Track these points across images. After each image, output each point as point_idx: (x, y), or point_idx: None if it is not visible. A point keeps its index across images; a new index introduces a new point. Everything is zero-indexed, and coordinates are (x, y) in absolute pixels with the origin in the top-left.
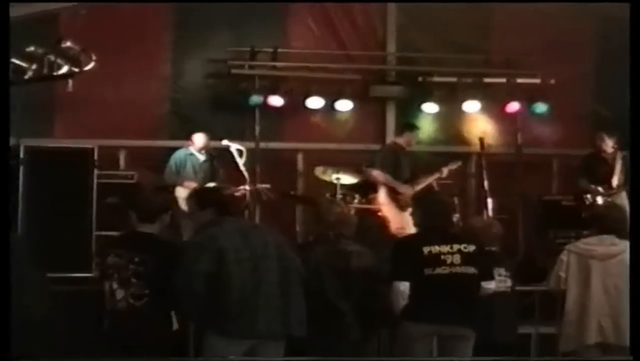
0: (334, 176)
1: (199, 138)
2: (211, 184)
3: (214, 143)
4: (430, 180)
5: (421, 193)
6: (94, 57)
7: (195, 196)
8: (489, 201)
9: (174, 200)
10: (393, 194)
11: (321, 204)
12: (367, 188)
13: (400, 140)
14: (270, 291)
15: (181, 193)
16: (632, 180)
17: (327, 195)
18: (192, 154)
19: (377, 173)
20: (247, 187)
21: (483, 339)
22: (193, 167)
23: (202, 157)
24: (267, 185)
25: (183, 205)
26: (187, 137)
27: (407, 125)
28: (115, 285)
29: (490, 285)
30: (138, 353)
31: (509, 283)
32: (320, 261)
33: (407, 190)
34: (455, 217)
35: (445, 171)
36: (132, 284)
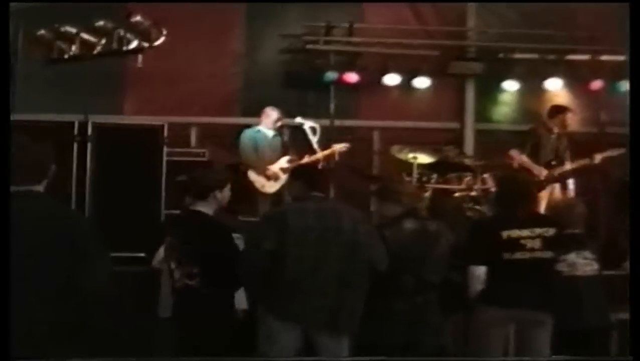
0: (411, 155)
1: (271, 113)
2: (286, 158)
3: (287, 121)
4: (576, 165)
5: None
6: (164, 32)
7: (293, 168)
8: (571, 181)
9: (233, 178)
10: None
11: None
12: (444, 168)
13: (550, 123)
14: (328, 278)
15: (254, 175)
16: (631, 179)
17: (404, 174)
18: (259, 131)
19: (514, 153)
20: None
21: (572, 324)
22: (261, 144)
23: (270, 133)
24: (346, 145)
25: (258, 185)
26: (260, 114)
27: (557, 107)
28: (173, 265)
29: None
30: (198, 335)
31: (595, 266)
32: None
33: (541, 172)
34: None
35: (598, 157)
36: (186, 263)
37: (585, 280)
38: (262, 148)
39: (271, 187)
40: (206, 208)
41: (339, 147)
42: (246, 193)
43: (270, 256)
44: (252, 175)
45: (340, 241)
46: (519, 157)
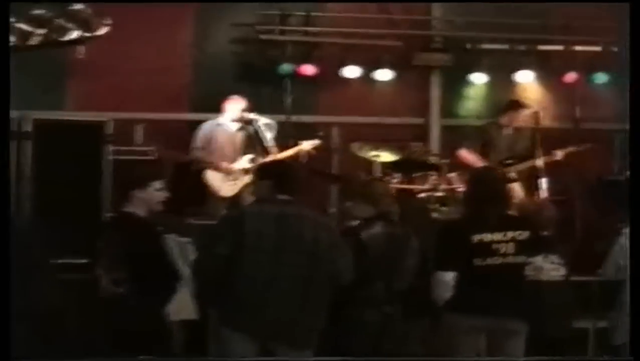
0: (372, 153)
1: (236, 103)
2: (249, 157)
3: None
4: (531, 163)
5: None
6: (107, 21)
7: (258, 166)
8: (543, 181)
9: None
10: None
11: (370, 183)
12: (409, 167)
13: (503, 120)
14: (286, 289)
15: (211, 175)
16: (631, 178)
17: (364, 174)
18: (220, 124)
19: (463, 153)
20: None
21: (534, 333)
22: (221, 140)
23: (233, 127)
24: (316, 142)
25: (215, 186)
26: (211, 109)
27: (511, 102)
28: (101, 271)
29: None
30: (124, 347)
31: (562, 271)
32: (368, 244)
33: None
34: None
35: (559, 154)
36: (113, 269)
37: (551, 285)
38: (222, 145)
39: (230, 189)
40: (135, 209)
41: (308, 143)
42: (202, 194)
43: (224, 261)
44: (210, 175)
45: (301, 249)
46: (469, 156)
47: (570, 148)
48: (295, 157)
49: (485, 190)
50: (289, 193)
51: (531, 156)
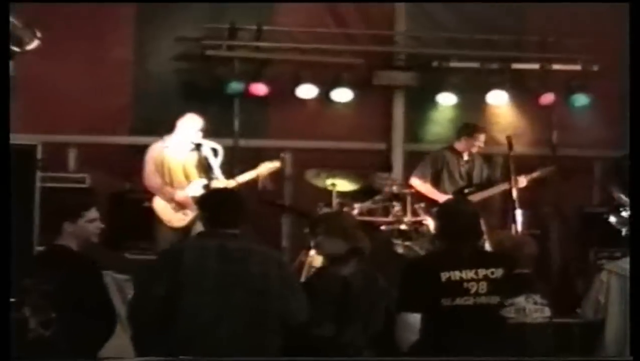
0: (329, 181)
1: (191, 121)
2: (200, 182)
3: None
4: (493, 191)
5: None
6: (38, 35)
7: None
8: (518, 213)
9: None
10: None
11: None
12: (369, 197)
13: (459, 145)
14: (229, 334)
15: (159, 204)
16: (631, 180)
17: (321, 204)
18: (168, 147)
19: (415, 182)
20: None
21: None
22: (172, 163)
23: (184, 149)
24: (275, 164)
25: (163, 216)
26: (152, 132)
27: (465, 126)
28: (28, 312)
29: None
30: None
31: (547, 312)
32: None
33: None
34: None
35: (522, 181)
36: (41, 309)
37: (535, 328)
38: (172, 169)
39: (180, 219)
40: (67, 242)
41: (267, 166)
42: (144, 226)
43: (161, 302)
44: (158, 204)
45: (247, 287)
46: (421, 186)
47: (534, 174)
48: (252, 183)
49: (455, 224)
50: (232, 225)
51: (493, 184)
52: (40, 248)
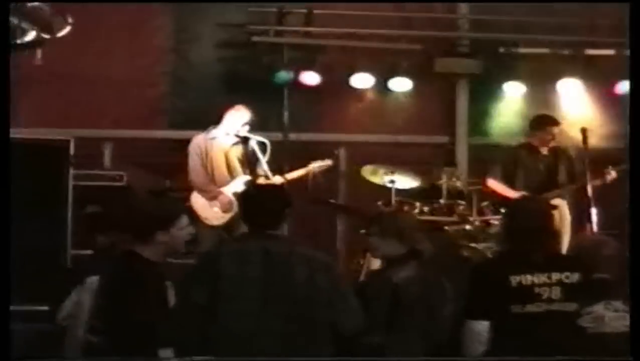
0: (387, 178)
1: (239, 112)
2: (244, 178)
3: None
4: (575, 188)
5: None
6: (70, 21)
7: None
8: (594, 212)
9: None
10: None
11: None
12: (431, 195)
13: (533, 140)
14: (273, 345)
15: (197, 200)
16: (631, 180)
17: (379, 203)
18: (214, 138)
19: (492, 183)
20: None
21: None
22: (216, 156)
23: (230, 142)
24: (327, 162)
25: (201, 213)
26: (193, 125)
27: (538, 119)
28: (84, 318)
29: (588, 323)
30: None
31: (628, 320)
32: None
33: None
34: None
35: (611, 175)
36: (92, 315)
37: (616, 338)
38: (216, 163)
39: (219, 218)
40: (151, 252)
41: (317, 165)
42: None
43: (202, 312)
44: (197, 201)
45: (290, 296)
46: (498, 186)
47: (624, 166)
48: (302, 180)
49: (527, 224)
50: (275, 226)
51: (574, 182)
52: (76, 252)
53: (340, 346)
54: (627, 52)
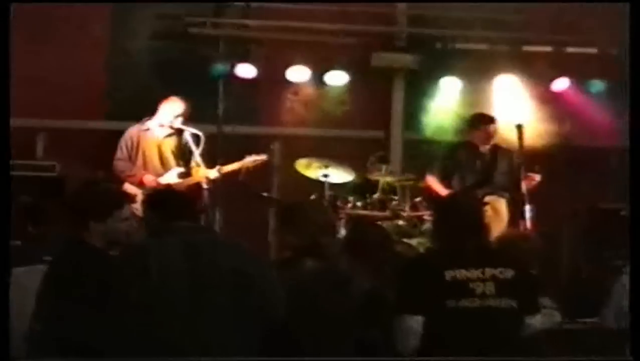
0: (321, 172)
1: (173, 104)
2: (177, 170)
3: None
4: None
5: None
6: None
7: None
8: (527, 209)
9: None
10: None
11: (302, 207)
12: (365, 189)
13: (472, 138)
14: (211, 333)
15: (130, 188)
16: (631, 180)
17: (313, 196)
18: (148, 129)
19: (430, 180)
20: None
21: None
22: (149, 147)
23: (163, 133)
24: (262, 157)
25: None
26: (130, 116)
27: (477, 117)
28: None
29: (534, 321)
30: None
31: (557, 317)
32: (303, 284)
33: None
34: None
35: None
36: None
37: (544, 335)
38: (148, 154)
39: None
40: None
41: (251, 159)
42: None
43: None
44: (129, 191)
45: (221, 282)
46: (437, 185)
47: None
48: (236, 174)
49: (460, 220)
50: (188, 218)
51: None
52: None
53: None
54: (567, 50)
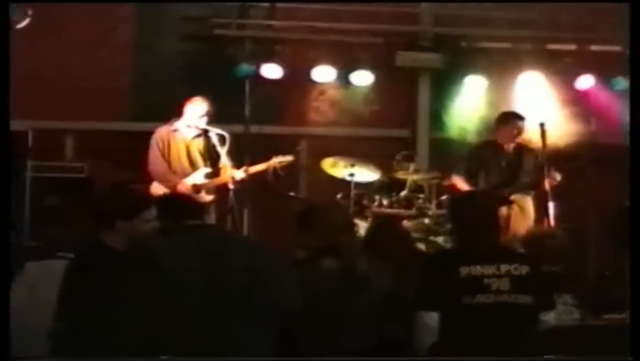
0: (347, 171)
1: (197, 105)
2: (204, 170)
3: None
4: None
5: (463, 194)
6: (29, 12)
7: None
8: (551, 206)
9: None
10: None
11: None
12: (391, 188)
13: (497, 136)
14: (226, 332)
15: (157, 191)
16: (631, 180)
17: (339, 195)
18: (176, 130)
19: (456, 179)
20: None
21: None
22: (178, 148)
23: (191, 134)
24: (288, 158)
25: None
26: (156, 117)
27: (505, 115)
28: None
29: (549, 318)
30: None
31: (576, 314)
32: (321, 282)
33: None
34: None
35: (558, 176)
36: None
37: (563, 332)
38: (177, 155)
39: None
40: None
41: (277, 160)
42: None
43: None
44: (156, 192)
45: (233, 280)
46: (463, 184)
47: (558, 177)
48: (263, 174)
49: (473, 217)
50: (197, 217)
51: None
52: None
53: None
54: (591, 47)
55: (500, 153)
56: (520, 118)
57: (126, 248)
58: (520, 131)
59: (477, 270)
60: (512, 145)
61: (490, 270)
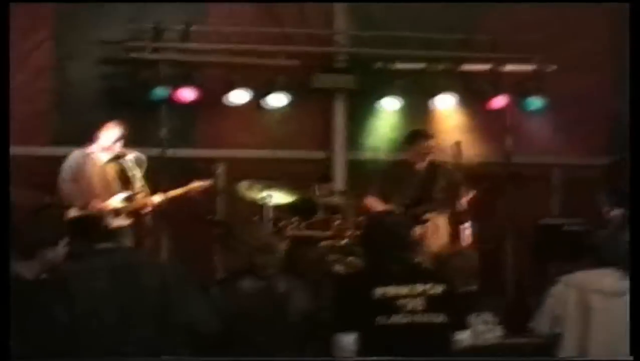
0: (264, 193)
1: (110, 130)
2: (123, 195)
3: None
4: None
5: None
6: None
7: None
8: (466, 225)
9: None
10: None
11: (241, 228)
12: (307, 210)
13: (408, 155)
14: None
15: (75, 213)
16: (631, 180)
17: (256, 218)
18: (89, 154)
19: (370, 200)
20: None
21: None
22: (92, 172)
23: (104, 158)
24: (207, 182)
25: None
26: (74, 141)
27: (413, 134)
28: None
29: (463, 336)
30: None
31: (497, 331)
32: (240, 303)
33: None
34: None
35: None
36: None
37: (487, 351)
38: (91, 179)
39: None
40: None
41: (196, 185)
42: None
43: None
44: (74, 215)
45: (147, 305)
46: (377, 205)
47: (471, 194)
48: (182, 197)
49: (385, 237)
50: (111, 240)
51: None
52: None
53: None
54: (505, 68)
55: (412, 172)
56: (428, 136)
57: (38, 276)
58: (429, 149)
59: (392, 290)
60: (424, 164)
61: (404, 290)
